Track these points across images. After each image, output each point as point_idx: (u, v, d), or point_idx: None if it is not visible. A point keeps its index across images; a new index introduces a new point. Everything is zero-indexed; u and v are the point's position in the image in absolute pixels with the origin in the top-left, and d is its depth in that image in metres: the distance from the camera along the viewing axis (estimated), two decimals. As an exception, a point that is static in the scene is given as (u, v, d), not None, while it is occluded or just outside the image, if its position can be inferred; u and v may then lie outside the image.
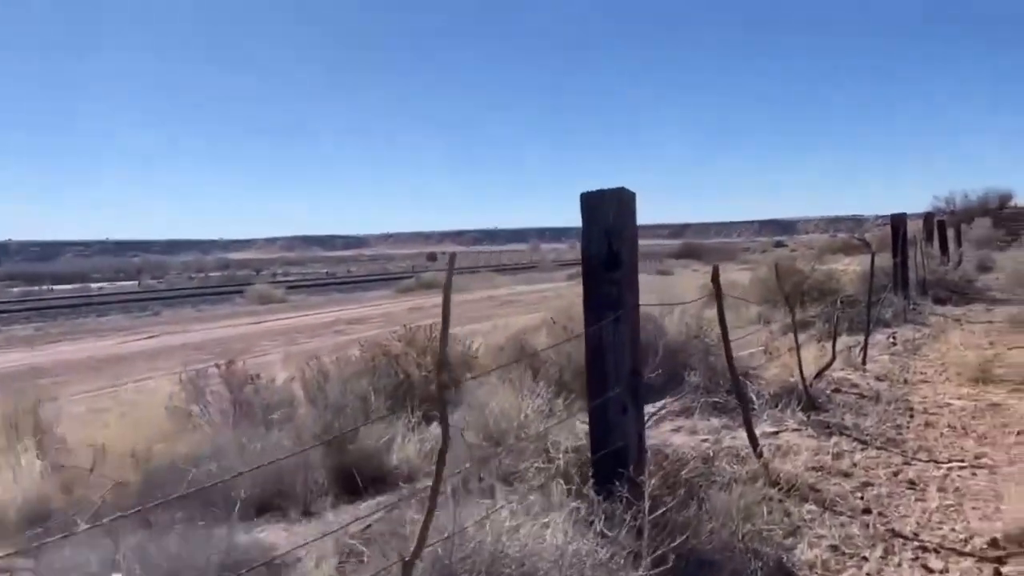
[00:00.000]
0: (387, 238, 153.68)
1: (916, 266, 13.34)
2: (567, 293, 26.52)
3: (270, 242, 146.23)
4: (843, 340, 9.82)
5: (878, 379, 7.26)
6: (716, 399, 6.34)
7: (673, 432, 5.94)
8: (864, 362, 7.85)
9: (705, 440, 5.66)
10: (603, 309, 3.40)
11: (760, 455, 4.68)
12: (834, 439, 5.32)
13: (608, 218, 3.38)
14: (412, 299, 28.38)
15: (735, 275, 20.12)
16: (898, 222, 11.27)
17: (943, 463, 4.87)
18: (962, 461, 4.88)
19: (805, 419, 5.68)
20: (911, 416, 6.01)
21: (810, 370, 7.13)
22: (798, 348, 5.98)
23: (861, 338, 8.50)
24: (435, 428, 5.73)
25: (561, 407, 5.16)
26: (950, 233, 18.61)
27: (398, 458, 5.66)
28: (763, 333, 10.55)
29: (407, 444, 5.77)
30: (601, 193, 3.41)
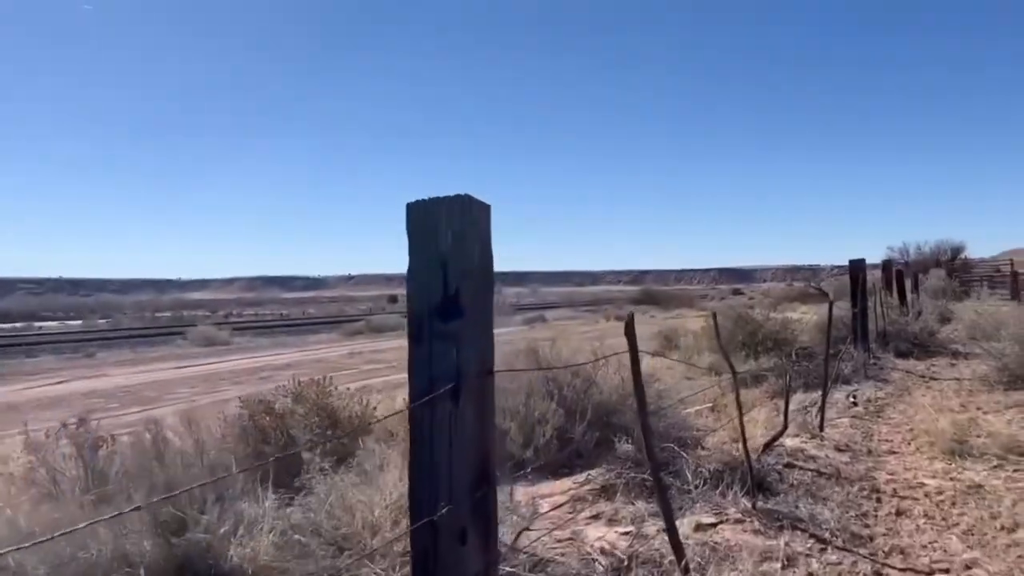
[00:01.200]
0: (348, 279, 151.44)
1: (876, 316, 12.40)
2: (508, 338, 25.24)
3: (228, 282, 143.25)
4: (798, 399, 8.76)
5: (838, 449, 6.15)
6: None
7: (590, 521, 4.75)
8: (822, 427, 6.75)
9: (626, 533, 4.48)
10: (433, 381, 2.22)
11: (686, 570, 3.49)
12: (785, 536, 4.16)
13: (444, 241, 2.22)
14: (357, 343, 27.00)
15: (691, 322, 19.17)
16: (857, 269, 10.32)
17: (924, 573, 3.73)
18: (948, 572, 3.75)
19: (750, 506, 4.53)
20: (878, 500, 4.89)
21: (759, 440, 6.01)
22: (741, 415, 4.84)
23: (818, 396, 7.44)
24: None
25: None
26: (907, 283, 17.84)
27: (238, 554, 4.34)
28: (714, 389, 9.52)
29: (259, 533, 4.45)
30: (436, 203, 2.25)
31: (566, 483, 5.87)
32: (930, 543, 4.14)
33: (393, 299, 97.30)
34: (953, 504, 4.75)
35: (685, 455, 5.42)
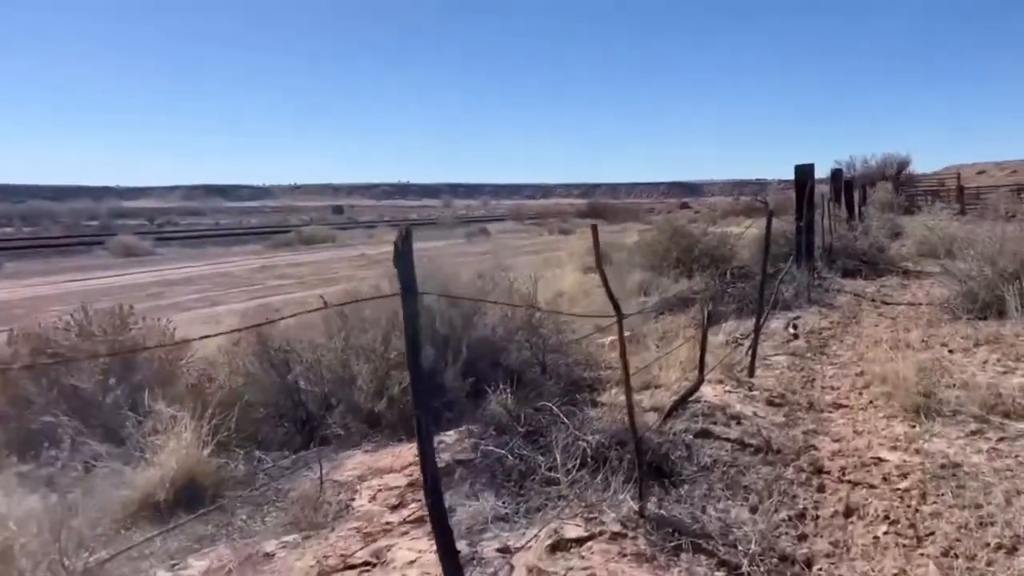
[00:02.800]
0: (294, 189, 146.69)
1: (822, 231, 11.02)
2: (443, 252, 23.60)
3: (169, 190, 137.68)
4: (730, 328, 7.34)
5: (771, 403, 4.72)
6: (520, 452, 3.67)
7: (412, 526, 3.24)
8: (752, 370, 5.33)
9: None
10: None
11: None
12: (683, 564, 2.71)
13: None
14: (280, 255, 25.09)
15: (634, 237, 17.70)
16: (804, 176, 8.82)
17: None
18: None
19: (637, 510, 3.05)
20: (820, 490, 3.47)
21: (667, 396, 4.56)
22: (627, 375, 3.32)
23: (751, 326, 6.00)
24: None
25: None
26: (855, 195, 16.52)
27: None
28: (635, 319, 8.12)
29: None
30: None
31: (416, 451, 4.37)
32: (899, 571, 2.72)
33: (339, 209, 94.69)
34: (923, 497, 3.34)
35: (565, 420, 3.93)
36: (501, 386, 4.86)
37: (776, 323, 7.19)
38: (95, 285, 17.44)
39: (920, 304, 8.06)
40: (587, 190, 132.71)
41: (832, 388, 5.14)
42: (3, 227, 61.82)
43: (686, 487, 3.34)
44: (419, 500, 3.52)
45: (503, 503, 3.25)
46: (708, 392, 4.79)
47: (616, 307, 3.21)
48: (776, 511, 3.19)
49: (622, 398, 4.72)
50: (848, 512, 3.23)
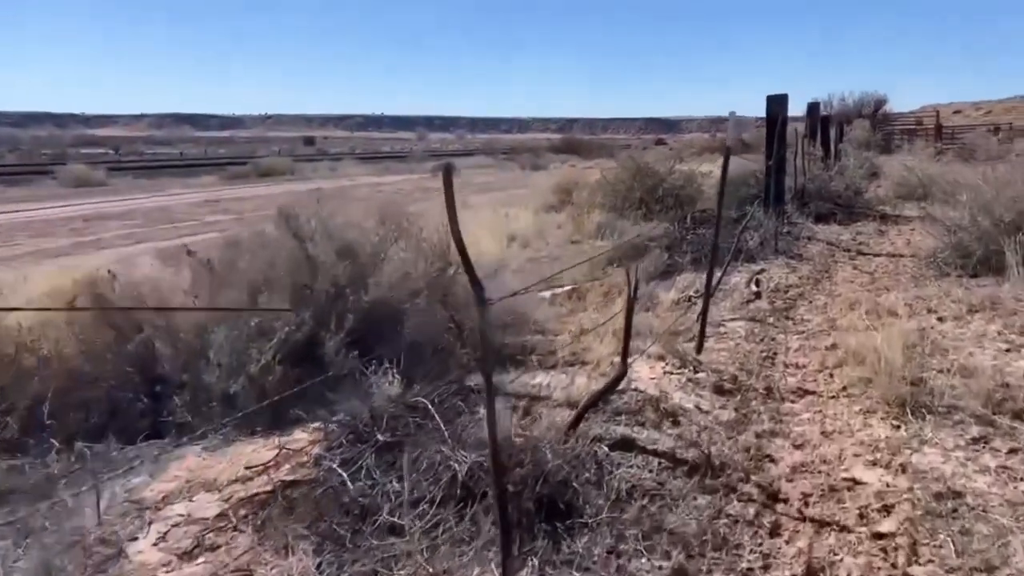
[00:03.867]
0: (266, 119, 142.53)
1: (795, 171, 9.98)
2: (401, 189, 22.36)
3: (137, 119, 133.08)
4: (684, 282, 6.33)
5: (720, 391, 3.73)
6: (374, 465, 2.67)
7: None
8: (701, 345, 4.32)
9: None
10: None
11: None
12: None
13: None
14: (230, 189, 23.66)
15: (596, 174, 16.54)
16: (776, 108, 7.69)
17: None
18: None
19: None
20: (774, 534, 2.50)
21: (591, 378, 3.57)
22: (490, 392, 2.29)
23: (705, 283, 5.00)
24: None
25: None
26: (833, 133, 15.44)
27: None
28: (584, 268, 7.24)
29: None
30: None
31: (263, 453, 3.35)
32: None
33: (310, 141, 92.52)
34: (913, 551, 2.37)
35: (442, 423, 2.91)
36: (387, 364, 3.87)
37: (737, 278, 6.20)
38: (21, 218, 16.10)
39: (902, 256, 7.08)
40: (564, 125, 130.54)
41: (797, 367, 4.16)
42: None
43: (585, 538, 2.34)
44: (224, 544, 2.51)
45: (320, 567, 2.24)
46: (643, 374, 3.80)
47: (478, 289, 2.14)
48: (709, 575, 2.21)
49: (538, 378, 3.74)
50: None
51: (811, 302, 5.54)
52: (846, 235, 8.43)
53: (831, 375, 3.97)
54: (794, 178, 9.95)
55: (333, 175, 29.52)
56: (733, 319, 5.05)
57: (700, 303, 5.07)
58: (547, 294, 6.99)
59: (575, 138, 67.58)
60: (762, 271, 6.43)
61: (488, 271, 6.16)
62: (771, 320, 5.06)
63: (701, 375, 3.85)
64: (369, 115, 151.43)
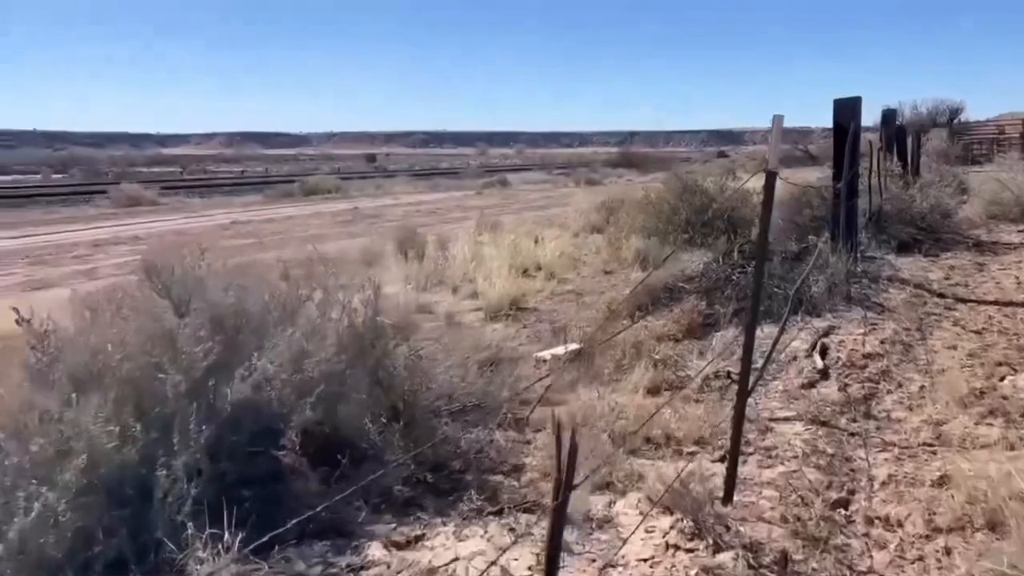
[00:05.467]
0: (331, 137, 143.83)
1: (870, 190, 8.23)
2: (441, 207, 21.08)
3: (208, 138, 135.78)
4: (721, 342, 4.70)
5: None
6: None
7: None
8: (732, 485, 2.71)
9: None
10: None
11: None
12: None
13: None
14: (270, 208, 22.70)
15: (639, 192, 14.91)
16: (847, 115, 5.95)
17: None
18: None
19: None
20: None
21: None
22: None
23: (765, 338, 3.40)
24: None
25: None
26: (910, 143, 13.44)
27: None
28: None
29: None
30: None
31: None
32: None
33: (371, 158, 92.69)
34: None
35: None
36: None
37: (797, 341, 4.55)
38: (39, 241, 15.28)
39: (1018, 305, 5.31)
40: (625, 138, 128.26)
41: (887, 525, 2.54)
42: (31, 174, 60.52)
43: None
44: None
45: None
46: (631, 555, 2.23)
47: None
48: None
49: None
50: None
51: (900, 385, 3.87)
52: (936, 272, 6.66)
53: (946, 550, 2.33)
54: (868, 198, 8.19)
55: (378, 193, 28.44)
56: (785, 418, 3.43)
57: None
58: (547, 354, 5.45)
59: (632, 152, 65.52)
60: (830, 330, 4.77)
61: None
62: (843, 420, 3.42)
63: (726, 557, 2.25)
64: (431, 131, 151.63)
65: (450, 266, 10.70)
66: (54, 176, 56.15)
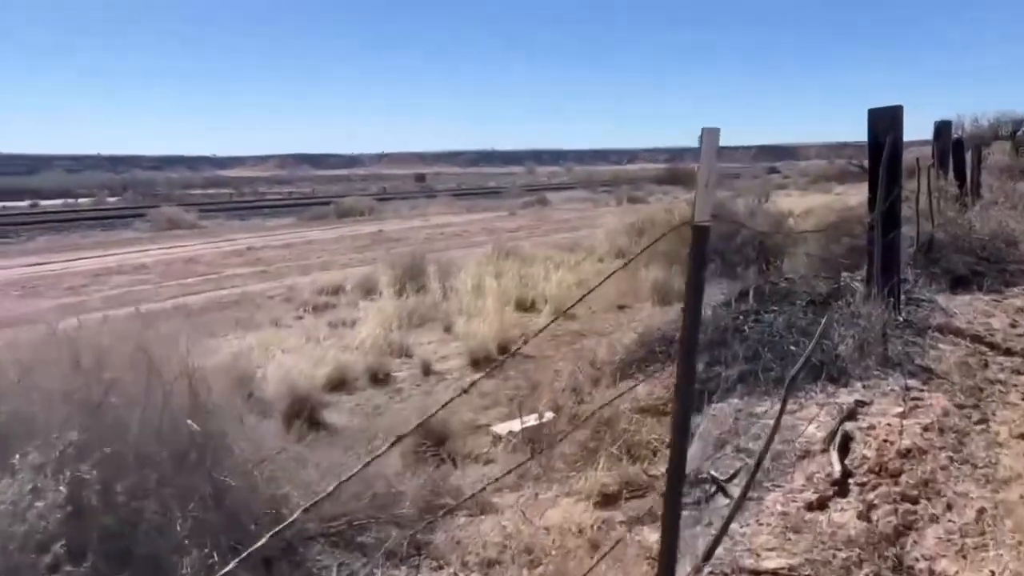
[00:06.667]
0: (382, 158, 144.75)
1: (918, 215, 7.01)
2: (467, 229, 20.11)
3: (263, 159, 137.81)
4: (722, 414, 3.59)
5: None
6: None
7: None
8: None
9: None
10: None
11: None
12: None
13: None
14: (295, 232, 22.07)
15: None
16: (884, 126, 4.70)
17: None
18: None
19: None
20: None
21: None
22: None
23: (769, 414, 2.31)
24: None
25: None
26: (969, 159, 11.99)
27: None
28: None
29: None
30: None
31: None
32: None
33: (420, 178, 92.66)
34: None
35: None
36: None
37: (812, 427, 3.41)
38: (45, 270, 14.75)
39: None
40: (674, 155, 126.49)
41: None
42: (88, 196, 61.57)
43: None
44: None
45: None
46: None
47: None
48: None
49: None
50: None
51: (950, 506, 2.71)
52: (1000, 317, 5.42)
53: None
54: (917, 225, 6.96)
55: (411, 214, 27.69)
56: (777, 570, 2.31)
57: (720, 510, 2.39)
58: (505, 428, 4.39)
59: (679, 168, 63.74)
60: (857, 408, 3.61)
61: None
62: (865, 570, 2.29)
63: None
64: (480, 151, 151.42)
65: (449, 299, 9.72)
66: (109, 199, 57.06)
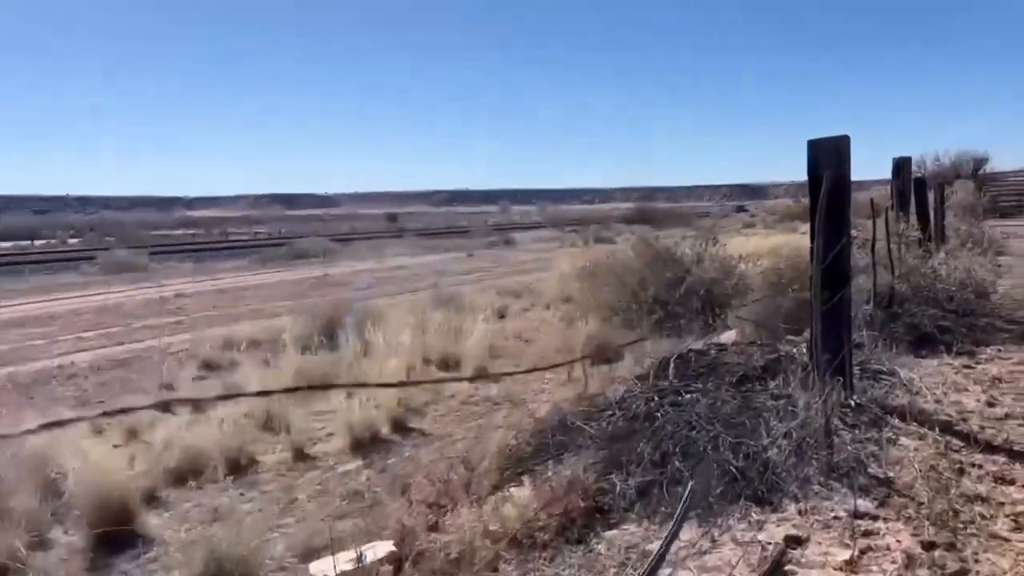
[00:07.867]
0: (356, 197, 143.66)
1: (874, 265, 6.04)
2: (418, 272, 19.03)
3: (235, 200, 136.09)
4: (614, 549, 2.51)
5: None
6: None
7: None
8: None
9: None
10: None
11: None
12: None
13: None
14: (239, 276, 20.86)
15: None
16: (825, 160, 3.67)
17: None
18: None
19: None
20: None
21: None
22: None
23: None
24: None
25: None
26: (931, 199, 11.14)
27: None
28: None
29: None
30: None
31: None
32: None
33: (392, 217, 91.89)
34: None
35: None
36: None
37: (725, 555, 2.32)
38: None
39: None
40: (646, 194, 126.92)
41: None
42: (48, 239, 59.88)
43: None
44: None
45: None
46: None
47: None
48: None
49: None
50: None
51: None
52: (974, 391, 4.40)
53: None
54: (874, 276, 5.98)
55: (368, 256, 26.59)
56: None
57: None
58: (323, 571, 3.28)
59: (648, 207, 63.29)
60: (788, 549, 2.54)
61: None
62: None
63: None
64: (455, 190, 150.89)
65: (371, 355, 8.60)
66: (71, 240, 55.50)
